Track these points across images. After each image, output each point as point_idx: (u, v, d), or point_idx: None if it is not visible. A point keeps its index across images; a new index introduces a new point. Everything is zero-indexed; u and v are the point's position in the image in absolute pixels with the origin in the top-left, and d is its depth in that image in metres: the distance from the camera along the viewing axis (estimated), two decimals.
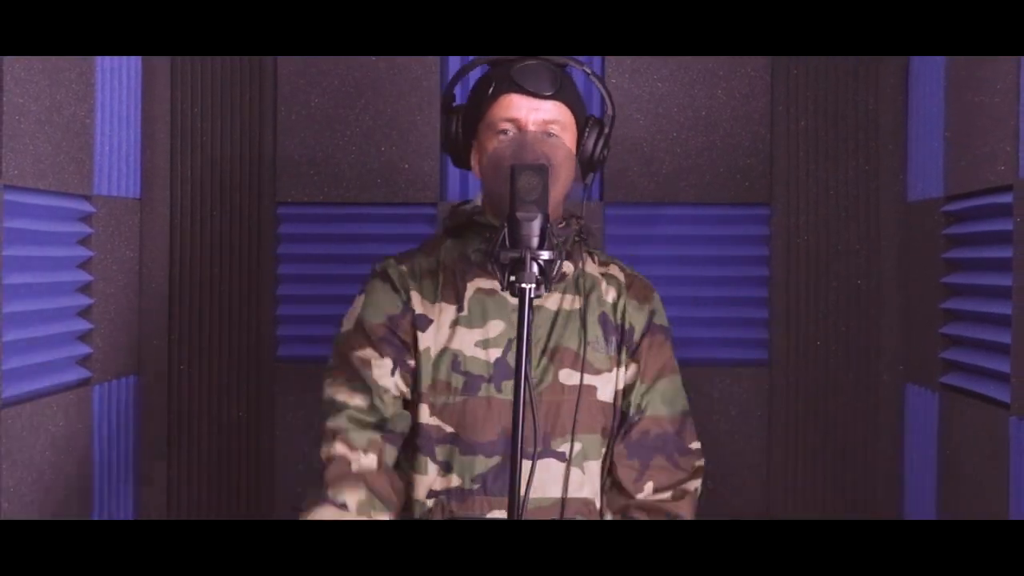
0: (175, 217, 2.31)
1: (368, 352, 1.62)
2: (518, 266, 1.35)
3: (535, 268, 1.34)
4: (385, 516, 1.56)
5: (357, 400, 1.60)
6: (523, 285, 1.34)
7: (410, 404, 1.64)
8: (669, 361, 1.70)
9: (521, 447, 1.30)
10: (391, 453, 1.60)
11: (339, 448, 1.56)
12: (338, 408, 1.60)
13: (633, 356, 1.67)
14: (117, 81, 2.15)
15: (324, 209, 2.35)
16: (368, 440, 1.57)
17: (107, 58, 2.10)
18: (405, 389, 1.62)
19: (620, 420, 1.67)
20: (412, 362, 1.62)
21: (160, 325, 2.31)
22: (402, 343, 1.62)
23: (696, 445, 1.70)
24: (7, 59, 1.72)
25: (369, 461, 1.56)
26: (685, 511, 1.63)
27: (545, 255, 1.36)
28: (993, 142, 1.84)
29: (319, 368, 2.33)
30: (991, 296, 1.89)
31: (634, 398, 1.66)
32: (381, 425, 1.59)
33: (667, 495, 1.64)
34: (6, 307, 1.75)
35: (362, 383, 1.60)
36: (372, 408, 1.59)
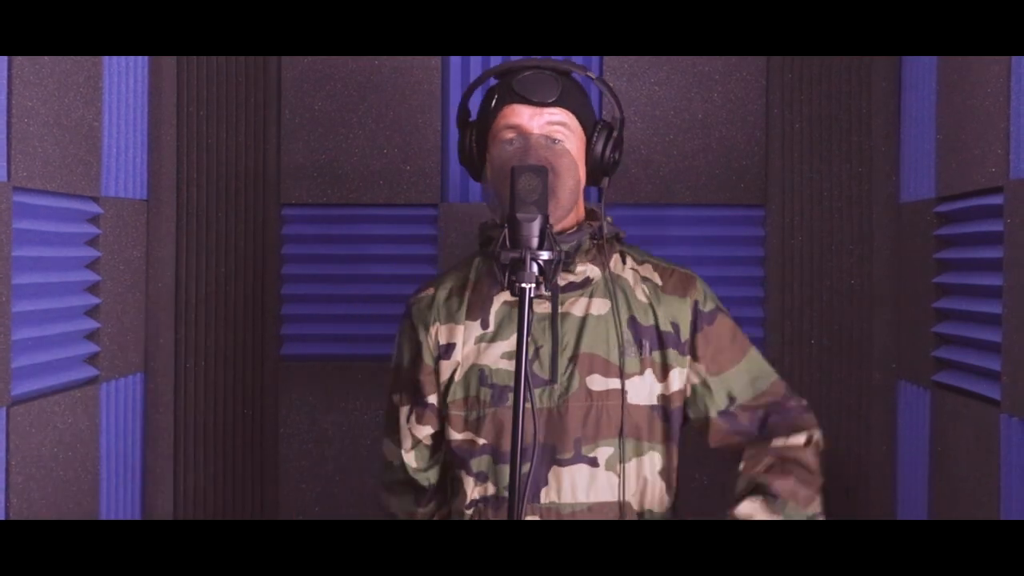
0: (181, 218, 2.33)
1: (395, 398, 1.74)
2: (518, 266, 1.37)
3: (535, 268, 1.37)
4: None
5: (394, 456, 1.75)
6: (523, 285, 1.36)
7: (443, 429, 1.69)
8: (737, 341, 1.66)
9: (522, 449, 1.33)
10: (421, 493, 1.75)
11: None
12: (385, 466, 1.78)
13: (696, 355, 1.64)
14: (124, 85, 2.17)
15: (327, 210, 2.37)
16: (403, 497, 1.76)
17: (115, 62, 2.12)
18: (422, 432, 1.69)
19: (695, 419, 1.65)
20: (432, 398, 1.67)
21: (166, 324, 2.33)
22: (418, 384, 1.68)
23: (800, 400, 1.68)
24: (16, 63, 1.74)
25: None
26: (811, 459, 1.61)
27: (544, 255, 1.38)
28: (984, 144, 1.86)
29: (323, 366, 2.38)
30: (982, 296, 1.91)
31: (720, 391, 1.63)
32: (410, 480, 1.74)
33: (800, 439, 1.62)
34: (15, 306, 1.77)
35: (398, 436, 1.74)
36: (403, 465, 1.73)
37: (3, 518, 1.74)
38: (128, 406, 2.23)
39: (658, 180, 2.35)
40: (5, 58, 1.71)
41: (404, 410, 1.70)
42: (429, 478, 1.72)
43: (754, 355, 1.67)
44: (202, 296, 2.35)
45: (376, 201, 2.36)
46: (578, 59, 2.35)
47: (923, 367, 2.15)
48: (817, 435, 1.64)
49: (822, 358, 2.34)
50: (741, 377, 1.64)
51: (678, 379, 1.63)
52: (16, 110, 1.74)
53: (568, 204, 1.59)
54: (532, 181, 1.40)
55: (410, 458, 1.71)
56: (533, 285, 1.37)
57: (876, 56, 2.29)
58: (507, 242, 1.39)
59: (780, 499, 1.52)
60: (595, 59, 2.36)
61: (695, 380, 1.64)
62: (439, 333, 1.66)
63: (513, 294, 1.38)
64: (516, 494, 1.34)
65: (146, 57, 2.25)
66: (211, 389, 2.36)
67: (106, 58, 2.08)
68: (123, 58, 2.16)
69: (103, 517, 2.12)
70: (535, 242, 1.38)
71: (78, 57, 1.96)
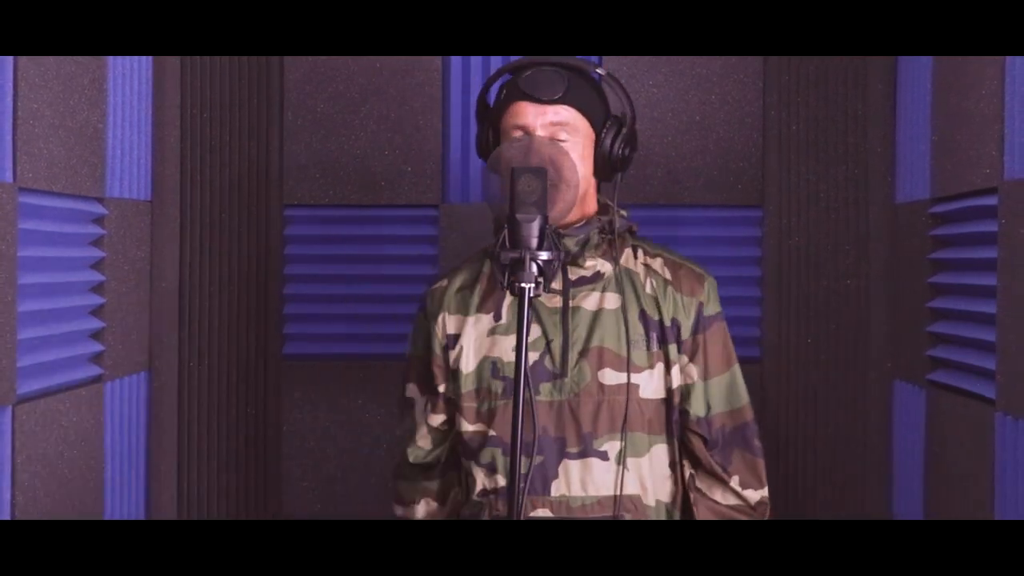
0: (185, 219, 2.35)
1: (412, 389, 1.75)
2: (517, 266, 1.39)
3: (534, 268, 1.39)
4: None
5: (403, 445, 1.77)
6: (523, 284, 1.38)
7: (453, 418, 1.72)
8: (727, 351, 1.68)
9: (523, 445, 1.34)
10: (430, 469, 1.76)
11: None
12: (400, 452, 1.79)
13: (692, 356, 1.65)
14: (129, 87, 2.18)
15: (329, 211, 2.39)
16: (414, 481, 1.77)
17: (119, 64, 2.14)
18: (436, 421, 1.73)
19: (683, 418, 1.66)
20: (442, 387, 1.69)
21: (170, 324, 2.35)
22: (433, 375, 1.70)
23: (758, 440, 1.70)
24: (22, 65, 1.75)
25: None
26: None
27: (544, 255, 1.40)
28: (979, 145, 1.87)
29: (325, 365, 2.40)
30: (977, 296, 1.92)
31: (700, 396, 1.65)
32: (423, 465, 1.76)
33: (754, 497, 1.66)
34: (21, 306, 1.78)
35: (410, 423, 1.76)
36: (415, 449, 1.75)
37: (9, 515, 1.76)
38: (132, 405, 2.25)
39: (656, 181, 2.37)
40: (11, 61, 1.72)
41: (421, 401, 1.72)
42: (439, 456, 1.75)
43: (737, 371, 1.70)
44: (206, 296, 2.37)
45: (377, 202, 2.38)
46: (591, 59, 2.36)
47: (919, 366, 2.16)
48: (766, 496, 1.67)
49: (818, 357, 2.35)
50: (721, 388, 1.66)
51: (677, 375, 1.64)
52: (21, 112, 1.76)
53: (570, 203, 1.60)
54: (532, 182, 1.41)
55: (425, 441, 1.74)
56: (532, 285, 1.38)
57: (872, 57, 2.31)
58: (507, 242, 1.41)
59: None
60: (594, 59, 2.37)
61: (687, 381, 1.65)
62: (447, 323, 1.68)
63: (513, 294, 1.40)
64: (516, 490, 1.36)
65: (150, 59, 2.26)
66: (214, 388, 2.38)
67: (110, 60, 2.10)
68: (127, 60, 2.17)
69: (108, 514, 2.13)
70: (534, 242, 1.40)
71: (82, 60, 1.98)
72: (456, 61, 2.39)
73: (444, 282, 1.72)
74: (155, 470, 2.33)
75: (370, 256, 2.40)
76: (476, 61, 2.37)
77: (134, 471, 2.26)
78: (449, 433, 1.72)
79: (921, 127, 2.16)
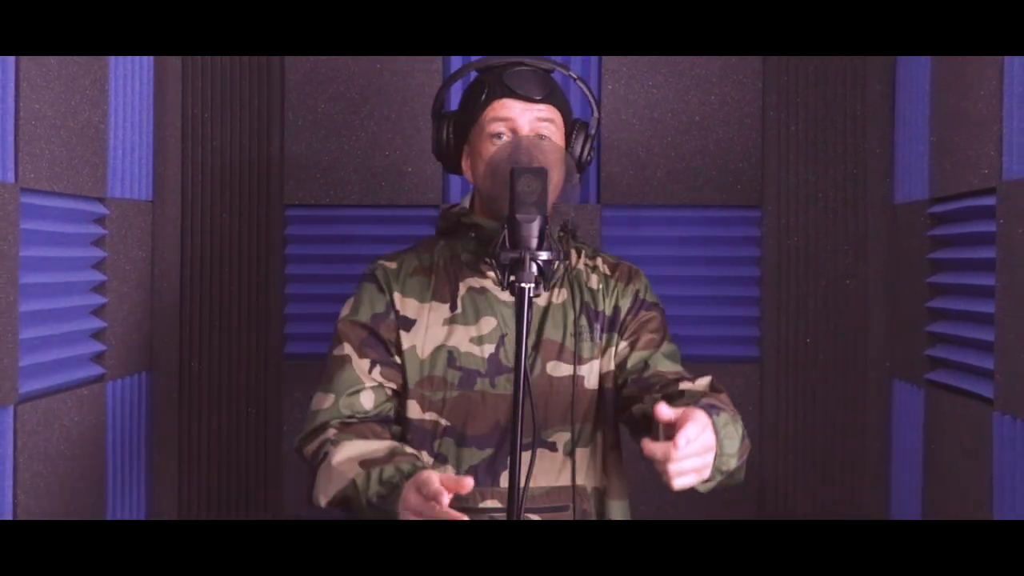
0: (186, 219, 2.36)
1: (347, 349, 1.65)
2: (518, 266, 1.40)
3: (534, 268, 1.40)
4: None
5: (328, 403, 1.63)
6: (523, 284, 1.39)
7: (400, 401, 1.67)
8: (661, 332, 1.69)
9: (521, 439, 1.35)
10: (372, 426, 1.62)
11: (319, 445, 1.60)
12: (314, 414, 1.64)
13: (624, 334, 1.67)
14: (130, 87, 2.19)
15: (330, 211, 2.40)
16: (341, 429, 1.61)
17: (120, 64, 2.14)
18: (387, 383, 1.64)
19: (621, 388, 1.65)
20: (397, 359, 1.65)
21: (171, 323, 2.36)
22: (384, 342, 1.65)
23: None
24: (24, 66, 1.76)
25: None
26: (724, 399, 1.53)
27: (544, 255, 1.40)
28: (977, 146, 1.88)
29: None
30: (975, 295, 1.93)
31: (636, 363, 1.64)
32: (353, 417, 1.62)
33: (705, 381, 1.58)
34: (22, 306, 1.79)
35: (350, 378, 1.63)
36: (354, 401, 1.62)
37: (11, 514, 1.77)
38: (133, 404, 2.26)
39: (655, 181, 2.37)
40: (12, 62, 1.73)
41: (364, 363, 1.63)
42: (381, 414, 1.63)
43: (673, 349, 1.68)
44: (207, 296, 2.37)
45: (378, 202, 2.38)
46: (578, 59, 2.37)
47: (917, 366, 2.17)
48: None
49: (817, 357, 2.36)
50: (664, 354, 1.66)
51: (612, 359, 1.67)
52: (24, 113, 1.77)
53: (553, 200, 1.62)
54: (532, 183, 1.42)
55: (366, 398, 1.62)
56: (533, 284, 1.39)
57: (871, 57, 2.31)
58: (507, 242, 1.41)
59: (723, 411, 1.43)
60: (594, 59, 2.38)
61: (619, 359, 1.67)
62: (402, 303, 1.67)
63: (513, 294, 1.40)
64: (516, 488, 1.36)
65: (151, 60, 2.27)
66: (215, 387, 2.38)
67: (112, 61, 2.11)
68: (128, 61, 2.18)
69: (109, 513, 2.14)
70: (534, 242, 1.40)
71: (84, 60, 1.98)
72: (456, 61, 2.39)
73: (394, 264, 1.70)
74: (156, 470, 2.34)
75: (370, 256, 2.39)
76: (476, 60, 2.37)
77: (135, 471, 2.27)
78: (394, 399, 1.65)
79: (920, 127, 2.16)
